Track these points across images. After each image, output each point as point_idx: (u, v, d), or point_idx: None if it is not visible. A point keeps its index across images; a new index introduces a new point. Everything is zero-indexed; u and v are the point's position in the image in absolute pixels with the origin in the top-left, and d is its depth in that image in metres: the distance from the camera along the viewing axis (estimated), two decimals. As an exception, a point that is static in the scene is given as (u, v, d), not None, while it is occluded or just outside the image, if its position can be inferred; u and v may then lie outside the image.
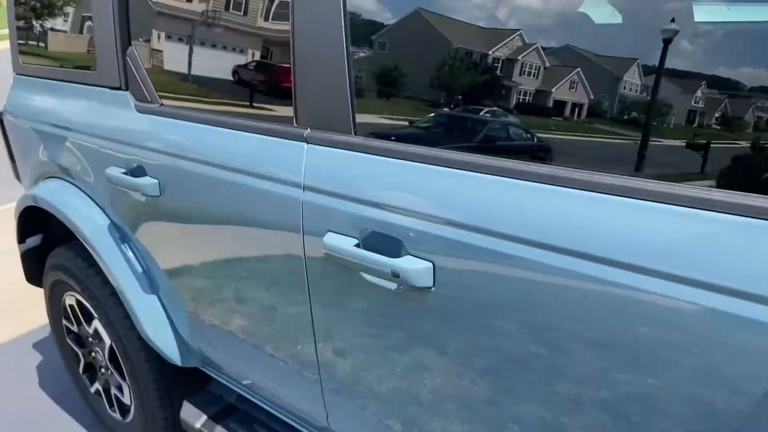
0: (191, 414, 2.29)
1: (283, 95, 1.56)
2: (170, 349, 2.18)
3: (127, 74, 2.01)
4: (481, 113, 1.31)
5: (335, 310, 1.56)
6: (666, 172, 1.05)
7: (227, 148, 1.67)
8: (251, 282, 1.75)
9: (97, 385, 2.76)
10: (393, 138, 1.40)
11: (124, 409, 2.64)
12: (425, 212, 1.28)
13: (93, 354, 2.69)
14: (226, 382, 2.18)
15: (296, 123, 1.54)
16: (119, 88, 2.04)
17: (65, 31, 2.37)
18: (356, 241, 1.39)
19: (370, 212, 1.37)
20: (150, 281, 2.16)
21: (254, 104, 1.72)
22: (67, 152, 2.26)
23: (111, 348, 2.48)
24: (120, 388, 2.59)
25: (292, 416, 1.97)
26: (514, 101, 1.26)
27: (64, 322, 2.81)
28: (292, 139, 1.54)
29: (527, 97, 1.25)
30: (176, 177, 1.83)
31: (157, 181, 1.88)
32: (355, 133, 1.44)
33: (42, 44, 2.47)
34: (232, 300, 1.86)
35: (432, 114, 1.40)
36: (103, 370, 2.64)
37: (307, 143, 1.52)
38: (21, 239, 2.73)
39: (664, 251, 1.00)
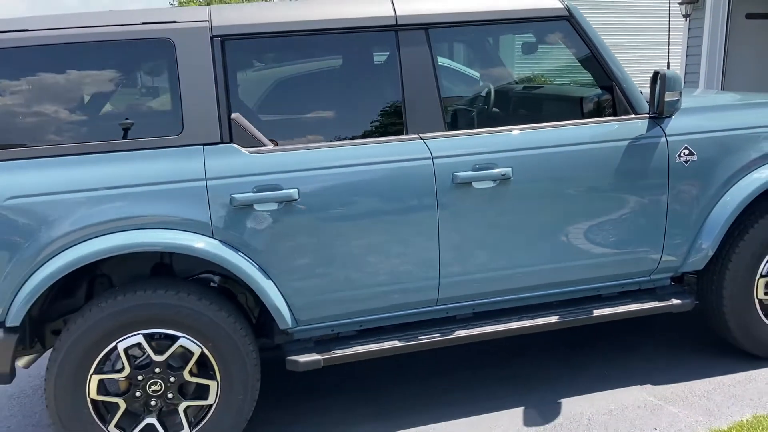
0: (303, 359, 3.03)
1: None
2: (286, 317, 2.96)
3: (232, 131, 2.91)
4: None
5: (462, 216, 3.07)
6: None
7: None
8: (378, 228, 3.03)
9: (147, 421, 2.89)
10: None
11: (196, 419, 2.97)
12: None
13: (147, 389, 2.88)
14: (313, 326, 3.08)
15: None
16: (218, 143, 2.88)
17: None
18: (470, 172, 3.04)
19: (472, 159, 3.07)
20: (269, 275, 2.93)
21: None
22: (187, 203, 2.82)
23: (200, 358, 2.89)
24: (201, 396, 2.95)
25: (399, 309, 3.15)
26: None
27: (98, 377, 2.85)
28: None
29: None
30: (317, 181, 2.94)
31: (296, 189, 2.87)
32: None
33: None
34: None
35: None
36: (170, 395, 2.89)
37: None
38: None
39: None
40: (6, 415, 3.62)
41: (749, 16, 9.98)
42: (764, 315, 3.51)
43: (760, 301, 3.49)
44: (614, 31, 15.99)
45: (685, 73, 9.99)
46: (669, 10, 9.55)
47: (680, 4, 9.74)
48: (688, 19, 9.79)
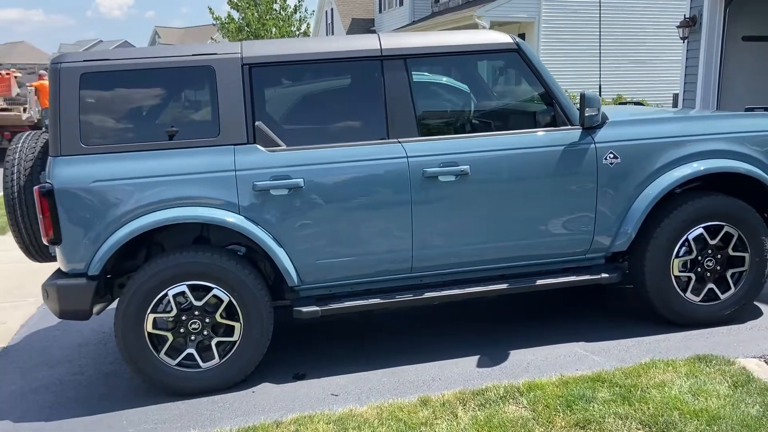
0: (305, 309, 3.99)
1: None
2: (293, 276, 3.92)
3: (255, 135, 3.91)
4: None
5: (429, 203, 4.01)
6: None
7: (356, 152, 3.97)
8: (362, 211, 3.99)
9: (188, 351, 3.87)
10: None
11: (224, 352, 3.92)
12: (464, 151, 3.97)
13: (189, 327, 3.84)
14: (314, 285, 4.06)
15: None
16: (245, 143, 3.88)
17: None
18: (437, 168, 3.91)
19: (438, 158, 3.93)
20: (281, 244, 3.93)
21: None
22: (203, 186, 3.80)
23: (228, 305, 3.88)
24: (228, 334, 3.92)
25: (381, 275, 4.12)
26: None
27: (154, 315, 3.80)
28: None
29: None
30: (318, 173, 3.95)
31: (302, 179, 3.86)
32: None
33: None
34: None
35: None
36: (205, 332, 3.87)
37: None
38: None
39: None
40: (78, 356, 4.66)
41: (746, 38, 10.78)
42: (680, 289, 4.35)
43: (677, 277, 4.33)
44: (639, 50, 17.93)
45: (684, 92, 10.76)
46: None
47: (678, 27, 10.53)
48: (686, 41, 10.57)
